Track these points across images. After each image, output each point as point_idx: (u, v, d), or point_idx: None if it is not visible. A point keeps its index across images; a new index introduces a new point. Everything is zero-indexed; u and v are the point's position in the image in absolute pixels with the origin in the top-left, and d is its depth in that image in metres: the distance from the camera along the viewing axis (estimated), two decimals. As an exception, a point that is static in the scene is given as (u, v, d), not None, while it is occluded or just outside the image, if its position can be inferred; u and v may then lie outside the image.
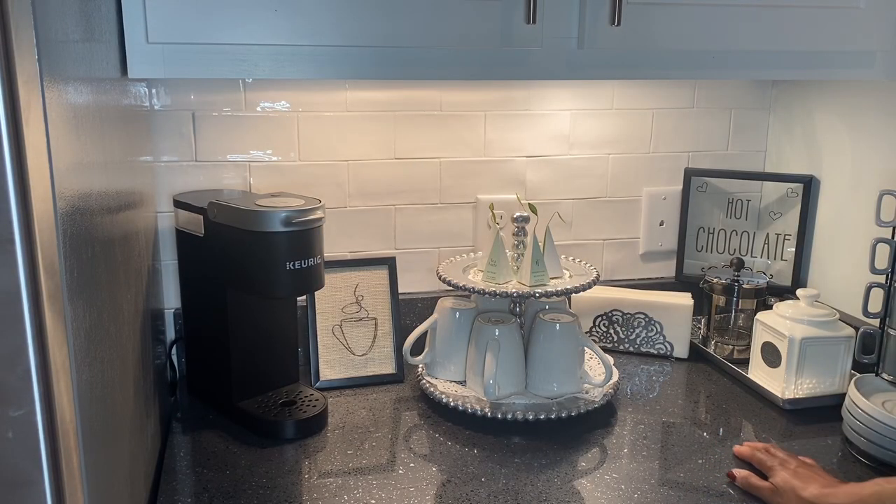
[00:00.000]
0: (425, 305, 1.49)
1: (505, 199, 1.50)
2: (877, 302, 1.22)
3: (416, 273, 1.51)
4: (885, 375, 1.21)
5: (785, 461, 1.06)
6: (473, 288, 1.25)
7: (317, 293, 1.36)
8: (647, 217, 1.61)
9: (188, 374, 1.34)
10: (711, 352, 1.47)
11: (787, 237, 1.57)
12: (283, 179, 1.41)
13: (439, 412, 1.27)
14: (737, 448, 1.15)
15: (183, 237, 1.27)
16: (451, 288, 1.27)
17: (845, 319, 1.33)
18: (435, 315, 1.34)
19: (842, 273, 1.47)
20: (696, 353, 1.49)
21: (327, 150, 1.42)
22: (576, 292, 1.26)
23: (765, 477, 1.06)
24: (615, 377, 1.31)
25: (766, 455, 1.09)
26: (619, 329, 1.51)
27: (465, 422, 1.23)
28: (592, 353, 1.26)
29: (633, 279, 1.64)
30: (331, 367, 1.37)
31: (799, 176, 1.55)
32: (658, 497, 1.04)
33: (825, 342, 1.26)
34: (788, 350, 1.26)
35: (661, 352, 1.49)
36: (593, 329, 1.52)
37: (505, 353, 1.23)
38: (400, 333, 1.39)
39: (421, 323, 1.35)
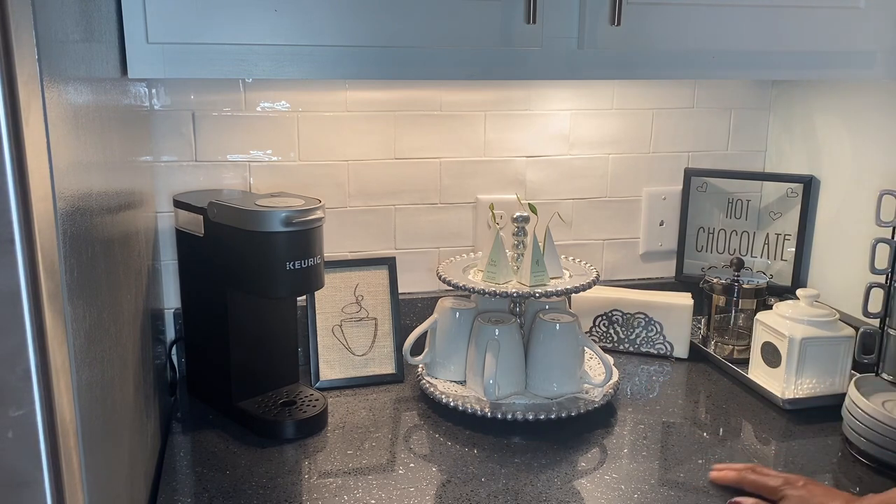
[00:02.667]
0: (425, 305, 1.49)
1: (505, 199, 1.50)
2: (877, 302, 1.22)
3: (416, 273, 1.51)
4: (885, 375, 1.21)
5: (790, 480, 0.97)
6: (473, 288, 1.25)
7: (317, 293, 1.36)
8: (647, 217, 1.61)
9: (188, 374, 1.34)
10: (711, 352, 1.47)
11: (787, 237, 1.57)
12: (283, 179, 1.41)
13: (439, 412, 1.27)
14: (715, 474, 1.04)
15: (183, 237, 1.27)
16: (451, 288, 1.27)
17: (845, 319, 1.33)
18: (435, 315, 1.34)
19: (842, 273, 1.47)
20: (696, 353, 1.49)
21: (327, 150, 1.42)
22: (576, 292, 1.26)
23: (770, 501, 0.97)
24: (615, 377, 1.31)
25: (760, 476, 1.00)
26: (619, 329, 1.51)
27: (465, 422, 1.23)
28: (592, 353, 1.26)
29: (633, 279, 1.64)
30: (331, 367, 1.37)
31: (799, 176, 1.55)
32: (658, 497, 1.04)
33: (825, 342, 1.26)
34: (788, 350, 1.26)
35: (661, 352, 1.49)
36: (593, 329, 1.52)
37: (505, 353, 1.23)
38: (400, 333, 1.39)
39: (421, 323, 1.35)
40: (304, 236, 1.14)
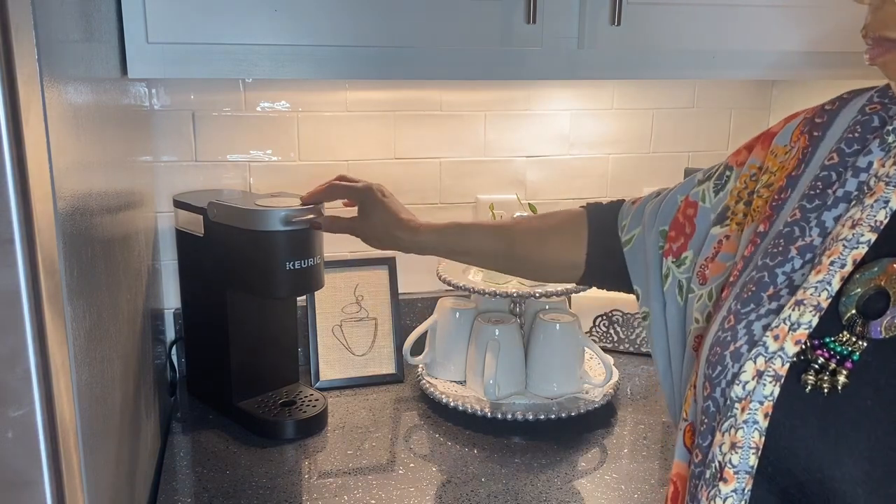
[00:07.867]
0: (425, 305, 1.49)
1: (505, 199, 1.50)
2: (877, 302, 1.22)
3: (416, 273, 1.51)
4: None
5: (373, 185, 1.05)
6: (473, 288, 1.25)
7: (317, 293, 1.36)
8: (647, 217, 1.61)
9: (188, 374, 1.34)
10: (711, 352, 1.47)
11: (787, 237, 1.57)
12: (283, 179, 1.41)
13: (439, 412, 1.27)
14: (305, 196, 1.12)
15: (183, 237, 1.27)
16: (451, 288, 1.27)
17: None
18: (435, 315, 1.34)
19: (842, 273, 1.47)
20: (696, 353, 1.49)
21: (327, 150, 1.42)
22: (576, 292, 1.26)
23: None
24: (615, 377, 1.31)
25: (349, 181, 1.08)
26: (619, 329, 1.51)
27: (465, 422, 1.23)
28: (592, 353, 1.26)
29: (633, 279, 1.64)
30: (331, 367, 1.37)
31: (799, 176, 1.54)
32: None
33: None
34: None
35: (661, 352, 1.49)
36: (593, 329, 1.52)
37: (505, 353, 1.23)
38: (400, 333, 1.39)
39: (421, 323, 1.35)
40: (304, 236, 1.14)
